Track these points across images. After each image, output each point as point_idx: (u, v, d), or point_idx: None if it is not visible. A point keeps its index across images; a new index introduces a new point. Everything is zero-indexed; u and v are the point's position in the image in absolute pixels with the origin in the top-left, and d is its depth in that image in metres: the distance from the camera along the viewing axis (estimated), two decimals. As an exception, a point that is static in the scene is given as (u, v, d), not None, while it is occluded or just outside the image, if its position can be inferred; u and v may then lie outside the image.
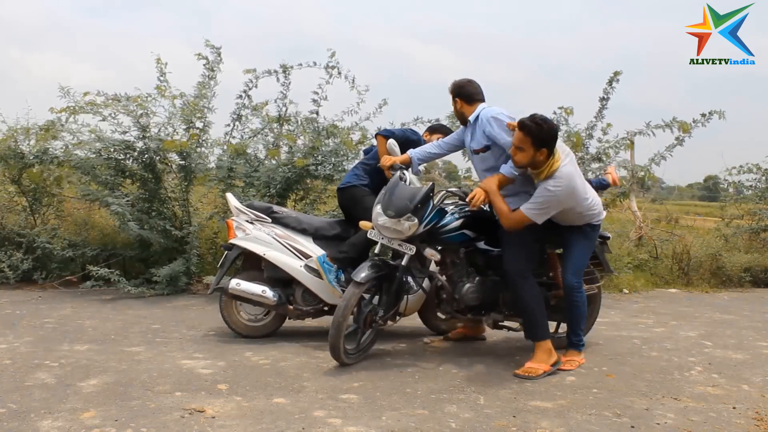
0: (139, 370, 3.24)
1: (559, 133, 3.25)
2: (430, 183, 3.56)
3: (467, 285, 3.56)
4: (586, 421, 2.71)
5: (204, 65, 5.84)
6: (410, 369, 3.42)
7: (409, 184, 3.50)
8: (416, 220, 3.34)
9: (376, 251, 3.64)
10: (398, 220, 3.33)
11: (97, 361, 3.39)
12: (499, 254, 3.57)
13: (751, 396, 3.14)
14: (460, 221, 3.52)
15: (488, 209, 3.59)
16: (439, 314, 3.83)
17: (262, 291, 3.81)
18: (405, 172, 3.62)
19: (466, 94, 3.59)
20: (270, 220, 3.96)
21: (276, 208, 4.06)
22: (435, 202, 3.49)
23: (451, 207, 3.59)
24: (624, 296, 6.19)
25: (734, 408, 2.94)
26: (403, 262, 3.45)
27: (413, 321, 4.33)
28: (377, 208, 3.43)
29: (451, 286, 3.59)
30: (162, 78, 5.77)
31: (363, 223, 3.66)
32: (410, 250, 3.42)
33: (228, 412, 2.70)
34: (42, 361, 3.37)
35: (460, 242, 3.58)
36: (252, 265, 3.99)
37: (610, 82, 6.54)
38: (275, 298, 3.83)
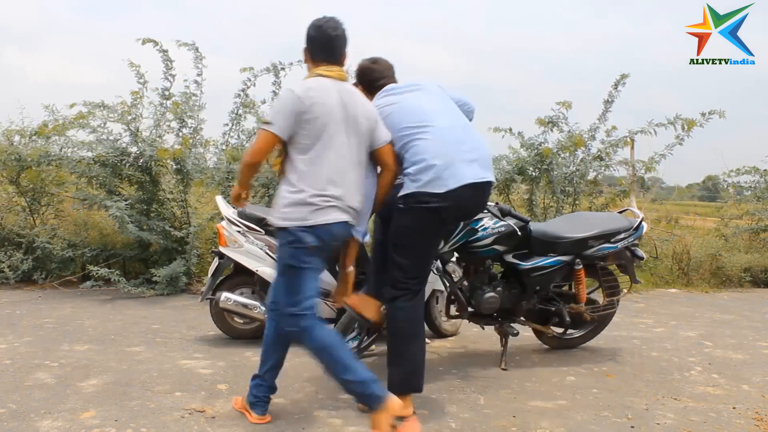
0: (139, 370, 3.24)
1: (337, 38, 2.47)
2: None
3: (487, 294, 3.34)
4: (586, 421, 2.71)
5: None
6: (410, 369, 3.42)
7: None
8: (442, 242, 3.10)
9: None
10: None
11: (97, 361, 3.39)
12: (526, 269, 3.39)
13: (751, 396, 3.14)
14: (492, 239, 3.26)
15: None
16: (445, 317, 3.72)
17: (253, 307, 3.76)
18: None
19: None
20: (263, 231, 3.78)
21: (270, 219, 3.90)
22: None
23: (484, 222, 3.25)
24: (624, 296, 6.16)
25: (734, 408, 2.94)
26: None
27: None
28: None
29: (471, 291, 3.40)
30: (141, 80, 5.77)
31: None
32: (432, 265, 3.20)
33: (228, 412, 2.70)
34: (42, 361, 3.37)
35: (490, 256, 3.38)
36: (244, 269, 3.85)
37: (615, 85, 6.48)
38: (266, 315, 3.78)
